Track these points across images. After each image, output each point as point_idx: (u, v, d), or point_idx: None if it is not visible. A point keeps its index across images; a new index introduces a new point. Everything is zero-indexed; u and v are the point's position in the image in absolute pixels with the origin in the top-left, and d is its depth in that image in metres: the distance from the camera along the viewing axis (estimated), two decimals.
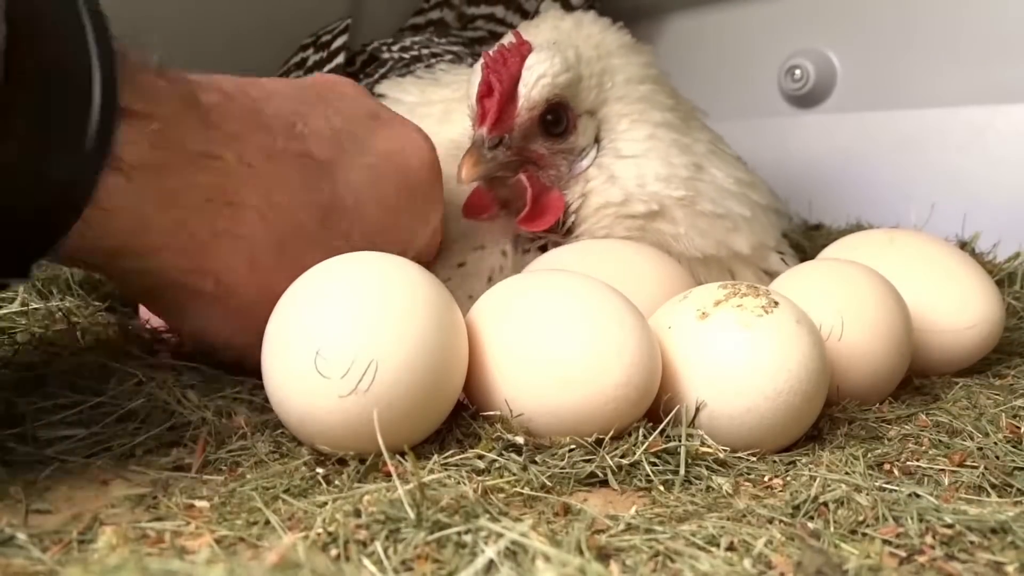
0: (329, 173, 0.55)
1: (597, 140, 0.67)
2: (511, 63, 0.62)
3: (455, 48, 0.90)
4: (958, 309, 0.61)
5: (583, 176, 0.66)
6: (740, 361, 0.48)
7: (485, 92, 0.62)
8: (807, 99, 1.04)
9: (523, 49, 0.63)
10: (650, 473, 0.46)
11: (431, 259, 0.64)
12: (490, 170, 0.63)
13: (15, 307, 0.61)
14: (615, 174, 0.65)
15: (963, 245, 0.87)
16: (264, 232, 0.51)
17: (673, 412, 0.49)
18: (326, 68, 0.89)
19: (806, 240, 0.91)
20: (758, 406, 0.48)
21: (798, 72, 1.02)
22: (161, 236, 0.48)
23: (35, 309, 0.62)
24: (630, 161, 0.66)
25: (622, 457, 0.46)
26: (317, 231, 0.53)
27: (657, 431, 0.48)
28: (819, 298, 0.55)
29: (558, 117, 0.65)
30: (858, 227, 0.94)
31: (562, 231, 0.67)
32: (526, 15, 1.00)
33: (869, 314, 0.55)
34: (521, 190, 0.65)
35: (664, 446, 0.47)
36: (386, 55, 0.87)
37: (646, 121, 0.67)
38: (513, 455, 0.46)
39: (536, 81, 0.62)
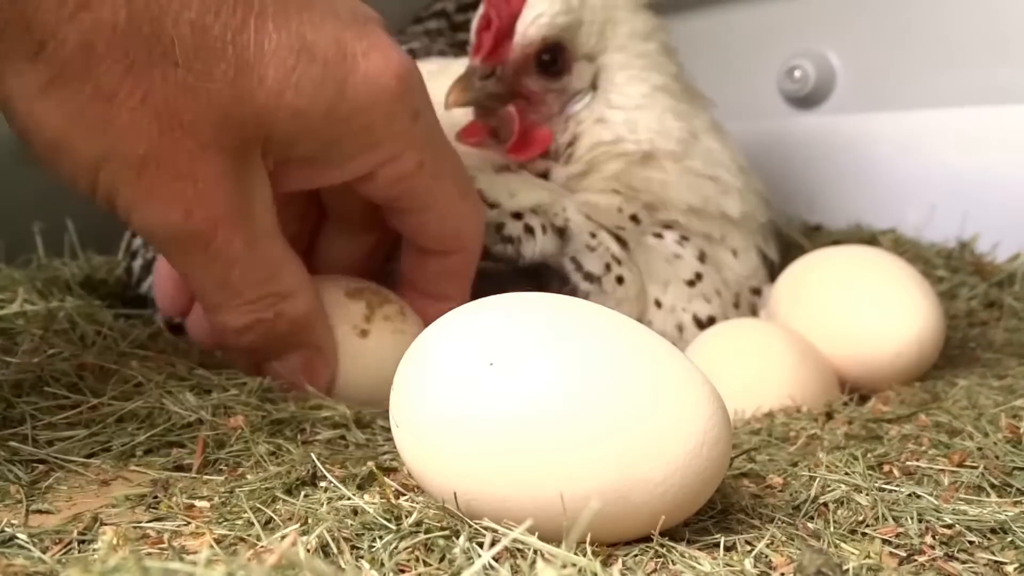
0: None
1: (595, 88, 0.69)
2: (513, 1, 0.64)
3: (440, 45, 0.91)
4: (877, 335, 0.61)
5: (574, 118, 0.69)
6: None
7: (483, 25, 0.65)
8: (807, 100, 1.03)
9: None
10: None
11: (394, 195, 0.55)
12: (477, 99, 0.65)
13: (15, 307, 0.61)
14: (605, 118, 0.68)
15: (963, 246, 0.87)
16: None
17: None
18: None
19: (806, 240, 0.90)
20: None
21: (798, 73, 1.02)
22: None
23: (35, 309, 0.62)
24: (620, 111, 0.68)
25: None
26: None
27: None
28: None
29: (553, 57, 0.67)
30: (858, 228, 0.94)
31: (561, 161, 0.69)
32: None
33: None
34: (509, 121, 0.67)
35: None
36: None
37: (645, 80, 0.69)
38: None
39: (534, 19, 0.65)
